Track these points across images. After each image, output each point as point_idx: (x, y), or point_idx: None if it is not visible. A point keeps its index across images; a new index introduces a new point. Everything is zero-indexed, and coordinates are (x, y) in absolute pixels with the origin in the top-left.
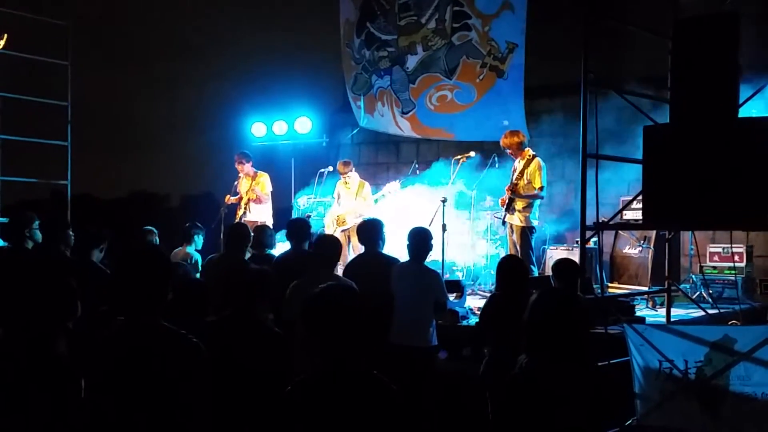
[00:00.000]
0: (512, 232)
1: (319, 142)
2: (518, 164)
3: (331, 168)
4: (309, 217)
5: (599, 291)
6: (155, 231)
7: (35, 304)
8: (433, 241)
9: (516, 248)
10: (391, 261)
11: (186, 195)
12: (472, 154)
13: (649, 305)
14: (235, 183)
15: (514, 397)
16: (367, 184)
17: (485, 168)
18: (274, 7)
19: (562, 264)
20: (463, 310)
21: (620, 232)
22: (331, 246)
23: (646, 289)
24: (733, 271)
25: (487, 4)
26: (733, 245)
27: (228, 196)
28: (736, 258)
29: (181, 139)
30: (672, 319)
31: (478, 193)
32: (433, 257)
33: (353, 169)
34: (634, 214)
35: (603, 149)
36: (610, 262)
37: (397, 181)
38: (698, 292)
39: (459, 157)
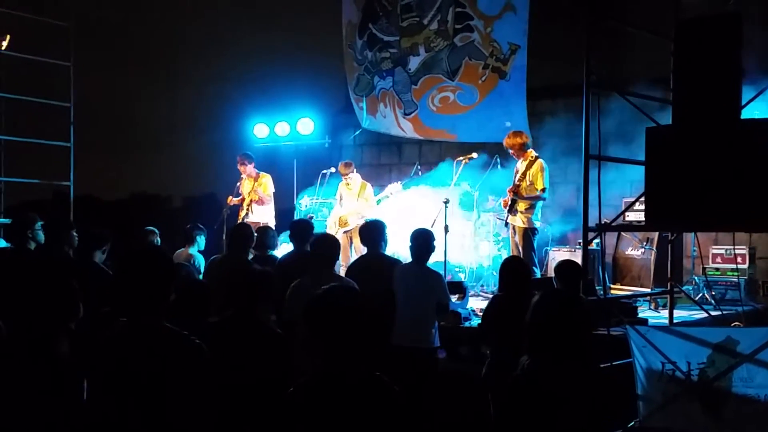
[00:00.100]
0: (514, 233)
1: (321, 144)
2: (521, 165)
3: (333, 169)
4: (311, 218)
5: (602, 292)
6: (157, 231)
7: (37, 304)
8: (435, 243)
9: (518, 250)
10: (394, 262)
11: (188, 196)
12: (475, 155)
13: (652, 307)
14: (238, 184)
15: (516, 398)
16: (369, 185)
17: (488, 169)
18: (274, 7)
19: (564, 265)
20: (466, 311)
21: (623, 233)
22: (330, 246)
23: (648, 290)
24: (735, 273)
25: (490, 6)
26: (736, 247)
27: (230, 197)
28: (739, 259)
29: (183, 140)
30: (674, 321)
31: (480, 194)
32: (436, 259)
33: (355, 170)
34: (636, 215)
35: (606, 150)
36: (612, 264)
37: (400, 182)
38: (701, 294)
39: (462, 158)
